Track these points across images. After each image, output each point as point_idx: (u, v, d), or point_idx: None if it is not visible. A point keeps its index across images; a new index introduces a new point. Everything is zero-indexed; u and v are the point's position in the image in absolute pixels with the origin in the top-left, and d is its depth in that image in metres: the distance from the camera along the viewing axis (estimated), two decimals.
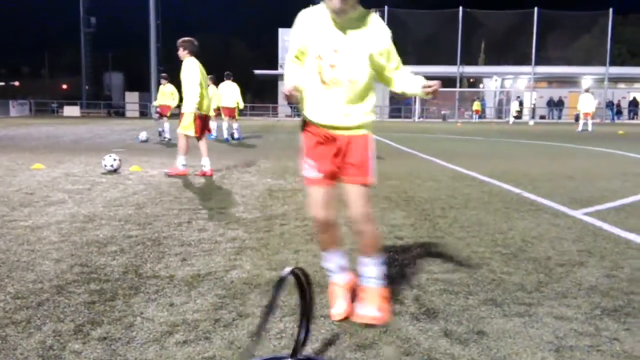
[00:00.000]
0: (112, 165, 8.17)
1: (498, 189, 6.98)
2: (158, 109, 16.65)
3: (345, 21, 2.59)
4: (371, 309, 2.69)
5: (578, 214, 5.39)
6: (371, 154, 2.75)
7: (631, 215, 5.39)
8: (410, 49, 43.36)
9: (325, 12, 2.60)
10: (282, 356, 2.20)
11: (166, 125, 15.96)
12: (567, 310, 2.88)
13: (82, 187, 6.84)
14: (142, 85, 50.52)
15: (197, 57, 7.96)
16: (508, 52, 48.91)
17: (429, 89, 2.64)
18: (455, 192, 6.69)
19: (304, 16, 2.68)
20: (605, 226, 4.85)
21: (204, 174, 7.98)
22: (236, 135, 16.28)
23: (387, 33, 2.68)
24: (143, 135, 15.50)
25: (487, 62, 52.36)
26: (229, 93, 15.82)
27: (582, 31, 50.46)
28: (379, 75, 2.75)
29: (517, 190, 6.80)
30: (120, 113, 47.50)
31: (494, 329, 2.64)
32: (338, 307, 2.76)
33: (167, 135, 15.83)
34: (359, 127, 2.70)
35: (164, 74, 16.96)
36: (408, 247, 4.14)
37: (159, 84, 17.38)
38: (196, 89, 7.76)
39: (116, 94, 60.16)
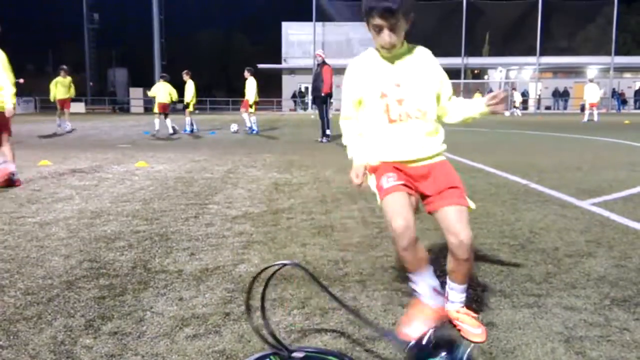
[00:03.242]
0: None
1: (505, 181, 6.96)
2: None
3: (397, 56, 2.52)
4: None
5: (585, 204, 5.37)
6: (458, 176, 2.55)
7: (639, 205, 5.37)
8: (415, 41, 43.14)
9: (375, 54, 2.53)
10: (291, 349, 2.21)
11: (166, 121, 16.55)
12: (576, 300, 2.88)
13: (89, 183, 6.86)
14: (146, 81, 50.49)
15: None
16: (513, 43, 48.63)
17: (493, 101, 2.51)
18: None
19: (355, 64, 2.58)
20: (613, 216, 4.83)
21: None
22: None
23: (437, 62, 2.60)
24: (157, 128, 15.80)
25: (492, 53, 52.13)
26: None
27: (587, 21, 50.13)
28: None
29: (524, 182, 6.78)
30: (125, 109, 47.55)
31: (503, 320, 2.64)
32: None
33: (170, 130, 16.37)
34: (437, 155, 2.55)
35: (163, 74, 17.41)
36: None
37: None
38: None
39: (121, 90, 60.17)
